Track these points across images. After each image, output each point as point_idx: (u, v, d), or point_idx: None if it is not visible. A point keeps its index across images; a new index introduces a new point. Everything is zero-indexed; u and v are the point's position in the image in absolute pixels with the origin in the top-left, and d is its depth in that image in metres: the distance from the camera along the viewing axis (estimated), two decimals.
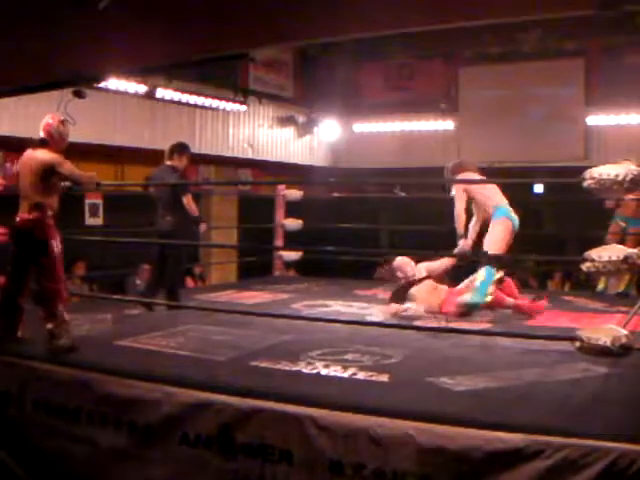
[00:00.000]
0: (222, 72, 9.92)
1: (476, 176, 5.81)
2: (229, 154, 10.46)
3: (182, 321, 5.22)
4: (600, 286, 7.04)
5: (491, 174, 10.52)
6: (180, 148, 6.11)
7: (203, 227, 6.50)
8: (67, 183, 4.83)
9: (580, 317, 5.57)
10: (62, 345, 4.26)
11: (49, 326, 4.30)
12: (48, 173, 4.45)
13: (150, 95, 8.67)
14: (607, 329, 3.35)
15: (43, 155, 4.50)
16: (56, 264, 4.40)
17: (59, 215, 4.52)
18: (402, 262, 6.03)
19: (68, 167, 4.52)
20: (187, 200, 5.86)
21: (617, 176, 3.41)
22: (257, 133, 10.96)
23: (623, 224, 7.29)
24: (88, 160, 8.69)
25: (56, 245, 4.43)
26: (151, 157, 7.31)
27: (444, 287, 5.84)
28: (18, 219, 4.50)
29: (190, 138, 9.77)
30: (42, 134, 4.58)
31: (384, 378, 3.74)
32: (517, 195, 7.38)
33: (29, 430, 4.04)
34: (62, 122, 4.67)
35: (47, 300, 4.38)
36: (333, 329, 4.89)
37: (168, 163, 6.05)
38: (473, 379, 3.69)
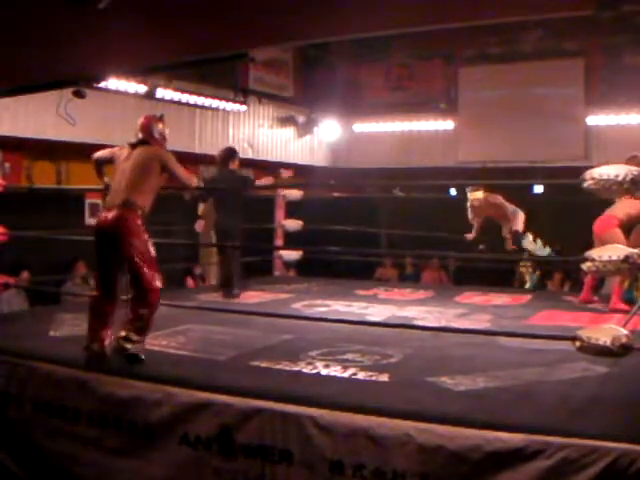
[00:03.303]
0: (222, 72, 9.92)
1: None
2: None
3: (182, 321, 5.22)
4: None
5: (489, 174, 10.58)
6: (233, 153, 6.80)
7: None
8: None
9: (580, 317, 5.57)
10: (131, 352, 3.97)
11: (126, 326, 4.03)
12: (157, 170, 4.20)
13: (150, 95, 8.68)
14: (607, 329, 3.34)
15: (155, 151, 4.26)
16: (150, 266, 4.06)
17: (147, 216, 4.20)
18: None
19: (180, 167, 4.33)
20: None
21: (617, 176, 3.41)
22: (257, 133, 10.97)
23: None
24: (88, 160, 8.70)
25: (148, 245, 4.09)
26: None
27: None
28: (103, 217, 4.15)
29: (190, 138, 9.80)
30: (141, 135, 4.35)
31: (384, 378, 3.73)
32: (517, 195, 7.41)
33: (29, 430, 4.04)
34: (160, 120, 4.44)
35: (136, 304, 4.05)
36: (333, 329, 4.89)
37: (229, 168, 6.68)
38: (473, 379, 3.68)
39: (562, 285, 9.62)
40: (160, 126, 4.43)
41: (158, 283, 4.09)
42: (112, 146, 4.65)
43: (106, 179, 4.62)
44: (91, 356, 4.10)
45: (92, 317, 4.18)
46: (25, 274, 7.46)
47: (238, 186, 6.69)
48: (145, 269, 4.04)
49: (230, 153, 6.78)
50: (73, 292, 7.64)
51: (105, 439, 3.76)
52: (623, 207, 5.75)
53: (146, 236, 4.13)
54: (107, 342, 4.16)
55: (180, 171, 4.37)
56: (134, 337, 4.02)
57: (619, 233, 5.64)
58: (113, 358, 4.08)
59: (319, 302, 6.40)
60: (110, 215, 4.10)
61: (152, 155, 4.25)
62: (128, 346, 4.00)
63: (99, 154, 4.57)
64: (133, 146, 4.35)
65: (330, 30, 4.08)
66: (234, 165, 6.76)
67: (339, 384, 3.67)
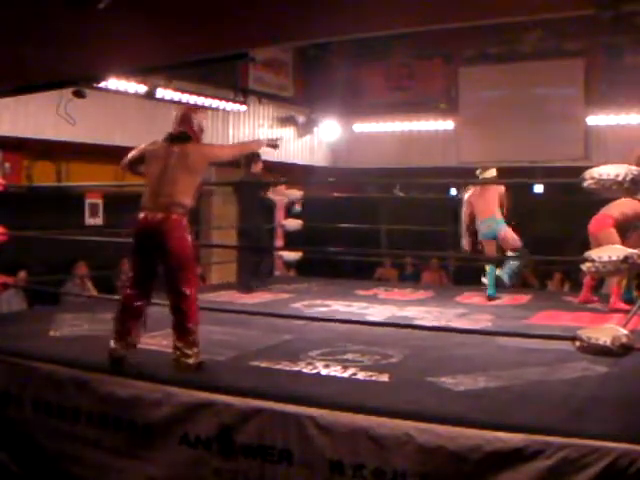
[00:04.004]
0: (222, 72, 9.92)
1: None
2: None
3: None
4: None
5: None
6: (254, 157, 6.93)
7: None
8: None
9: (580, 317, 5.57)
10: (189, 365, 3.91)
11: (178, 344, 3.94)
12: (203, 169, 4.07)
13: (150, 95, 8.67)
14: (607, 329, 3.34)
15: (204, 152, 4.11)
16: (190, 273, 3.97)
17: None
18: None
19: (226, 152, 4.38)
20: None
21: (617, 176, 3.40)
22: (257, 133, 10.96)
23: None
24: (88, 160, 8.72)
25: (191, 249, 4.00)
26: None
27: None
28: (145, 216, 3.96)
29: None
30: (181, 127, 4.11)
31: (384, 378, 3.74)
32: (516, 195, 7.41)
33: (29, 430, 4.04)
34: (197, 111, 4.34)
35: (177, 313, 3.97)
36: (333, 329, 4.89)
37: (251, 171, 6.98)
38: (473, 379, 3.69)
39: (562, 285, 9.62)
40: (200, 119, 4.24)
41: (193, 290, 3.97)
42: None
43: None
44: (115, 355, 4.03)
45: (123, 315, 4.08)
46: (22, 274, 7.46)
47: (257, 189, 7.02)
48: (183, 274, 3.94)
49: (251, 157, 6.88)
50: (73, 292, 7.64)
51: (105, 439, 3.76)
52: (619, 206, 5.76)
53: (190, 239, 4.01)
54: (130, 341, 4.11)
55: (228, 154, 4.39)
56: (189, 352, 3.93)
57: (614, 233, 5.65)
58: (130, 357, 4.04)
59: (319, 302, 6.40)
60: (156, 217, 3.92)
61: (201, 156, 4.07)
62: (190, 362, 3.92)
63: (129, 158, 4.29)
64: (171, 140, 4.11)
65: (330, 30, 4.08)
66: (256, 168, 6.99)
67: (339, 384, 3.67)
